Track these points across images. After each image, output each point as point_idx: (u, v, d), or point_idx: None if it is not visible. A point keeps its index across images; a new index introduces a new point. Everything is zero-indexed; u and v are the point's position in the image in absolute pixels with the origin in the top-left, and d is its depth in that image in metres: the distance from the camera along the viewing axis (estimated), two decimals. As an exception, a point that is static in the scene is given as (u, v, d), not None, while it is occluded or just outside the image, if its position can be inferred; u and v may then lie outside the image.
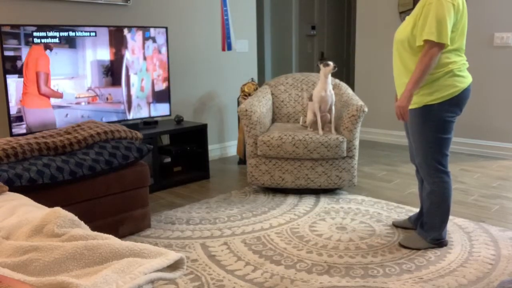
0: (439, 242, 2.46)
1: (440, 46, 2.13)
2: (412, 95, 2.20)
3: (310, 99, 3.38)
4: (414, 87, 2.18)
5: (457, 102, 2.25)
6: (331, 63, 3.27)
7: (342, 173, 3.28)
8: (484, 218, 2.91)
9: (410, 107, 2.30)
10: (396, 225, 2.80)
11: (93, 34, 3.29)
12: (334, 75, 3.58)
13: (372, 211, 3.05)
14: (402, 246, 2.50)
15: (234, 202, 3.28)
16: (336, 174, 3.28)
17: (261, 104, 3.51)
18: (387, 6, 5.11)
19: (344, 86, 3.71)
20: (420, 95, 2.25)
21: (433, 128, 2.27)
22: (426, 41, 2.14)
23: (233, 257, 2.42)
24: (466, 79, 2.26)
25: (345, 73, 6.83)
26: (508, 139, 4.42)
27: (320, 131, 3.26)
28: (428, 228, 2.46)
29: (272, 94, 3.87)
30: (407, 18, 2.34)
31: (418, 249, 2.45)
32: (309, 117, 3.39)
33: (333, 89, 3.51)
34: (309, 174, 3.28)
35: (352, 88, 6.25)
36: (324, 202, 3.24)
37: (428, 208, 2.42)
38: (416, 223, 2.70)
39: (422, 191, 2.53)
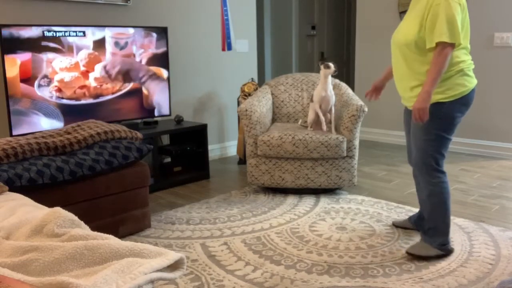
0: (446, 247, 2.37)
1: (453, 45, 2.13)
2: (430, 96, 2.16)
3: (311, 99, 3.38)
4: (432, 88, 2.15)
5: (465, 102, 2.24)
6: (332, 65, 3.26)
7: (342, 173, 3.28)
8: (484, 218, 2.91)
9: None
10: (396, 225, 2.80)
11: (93, 34, 3.30)
12: (334, 75, 3.57)
13: (372, 211, 3.05)
14: (410, 254, 2.39)
15: (234, 202, 3.28)
16: (336, 174, 3.28)
17: (261, 104, 3.51)
18: (387, 6, 5.11)
19: (344, 86, 3.71)
20: (432, 93, 2.21)
21: (439, 126, 2.25)
22: (438, 42, 2.12)
23: (233, 257, 2.42)
24: (473, 80, 2.27)
25: (345, 73, 6.83)
26: (508, 139, 4.42)
27: (324, 127, 3.26)
28: (433, 233, 2.37)
29: (272, 94, 3.87)
30: (407, 18, 2.30)
31: (428, 257, 2.35)
32: (310, 117, 3.39)
33: (333, 89, 3.51)
34: (309, 174, 3.28)
35: (352, 88, 6.25)
36: (324, 202, 3.24)
37: (430, 212, 2.36)
38: (416, 223, 2.69)
39: (420, 190, 2.49)
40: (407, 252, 2.41)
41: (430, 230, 2.39)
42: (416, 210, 3.06)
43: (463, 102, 2.24)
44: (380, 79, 2.70)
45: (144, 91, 3.63)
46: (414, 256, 2.38)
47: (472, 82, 2.25)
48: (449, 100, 2.22)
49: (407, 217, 2.91)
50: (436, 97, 2.22)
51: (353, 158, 3.27)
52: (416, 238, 2.62)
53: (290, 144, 3.21)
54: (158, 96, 3.73)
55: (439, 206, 2.34)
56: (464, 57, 2.23)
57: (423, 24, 2.17)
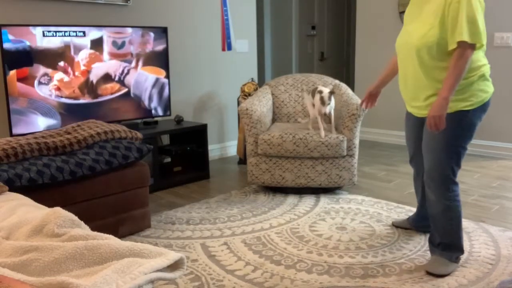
0: (459, 259, 2.29)
1: (473, 47, 1.98)
2: (448, 103, 2.01)
3: (312, 94, 3.35)
4: (450, 94, 2.00)
5: (485, 108, 2.12)
6: (327, 102, 3.19)
7: (342, 172, 3.28)
8: (484, 218, 2.91)
9: None
10: (396, 225, 2.80)
11: (93, 33, 3.29)
12: (334, 75, 3.56)
13: (372, 211, 3.05)
14: (431, 274, 2.21)
15: (234, 202, 3.27)
16: (336, 173, 3.27)
17: (262, 104, 3.51)
18: (387, 6, 5.11)
19: (344, 86, 3.71)
20: (453, 100, 2.05)
21: (461, 135, 2.11)
22: (459, 43, 1.97)
23: (233, 257, 2.42)
24: (491, 84, 2.15)
25: (345, 73, 6.83)
26: (508, 139, 4.42)
27: (322, 134, 3.22)
28: (447, 247, 2.24)
29: (272, 94, 3.87)
30: (417, 19, 2.13)
31: (446, 274, 2.21)
32: (311, 114, 3.38)
33: (333, 89, 3.51)
34: (309, 173, 3.28)
35: (352, 88, 6.25)
36: (324, 202, 3.24)
37: (445, 227, 2.22)
38: (416, 224, 2.69)
39: (430, 206, 2.28)
40: (427, 272, 2.23)
41: (443, 245, 2.25)
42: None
43: (484, 108, 2.11)
44: (374, 85, 2.57)
45: (143, 94, 3.63)
46: (435, 276, 2.20)
47: (491, 87, 2.13)
48: (473, 108, 2.08)
49: (407, 217, 2.91)
50: (459, 105, 2.08)
51: (353, 157, 3.27)
52: (417, 238, 2.62)
53: (290, 143, 3.21)
54: (158, 96, 3.72)
55: (455, 220, 2.22)
56: (484, 61, 2.10)
57: (446, 23, 2.00)
